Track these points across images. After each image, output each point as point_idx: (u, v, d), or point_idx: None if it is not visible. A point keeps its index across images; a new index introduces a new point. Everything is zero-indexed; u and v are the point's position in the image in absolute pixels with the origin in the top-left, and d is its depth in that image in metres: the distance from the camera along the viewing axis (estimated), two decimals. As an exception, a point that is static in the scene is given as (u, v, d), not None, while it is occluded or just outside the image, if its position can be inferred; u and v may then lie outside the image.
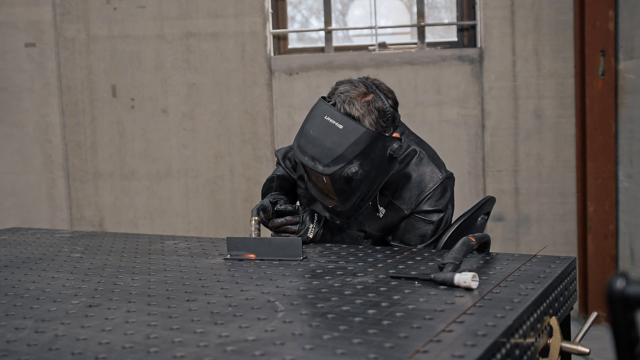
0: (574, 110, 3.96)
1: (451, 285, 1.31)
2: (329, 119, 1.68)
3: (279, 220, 1.88)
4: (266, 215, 1.88)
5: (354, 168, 1.66)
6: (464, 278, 1.29)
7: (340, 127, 1.66)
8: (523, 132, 4.02)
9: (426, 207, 1.87)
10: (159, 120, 4.20)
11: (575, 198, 3.98)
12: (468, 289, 1.28)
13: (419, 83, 4.06)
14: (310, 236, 1.89)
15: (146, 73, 4.18)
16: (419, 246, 1.88)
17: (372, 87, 1.76)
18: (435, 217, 1.88)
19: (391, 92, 1.81)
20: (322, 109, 1.71)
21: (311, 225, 1.89)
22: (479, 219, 2.03)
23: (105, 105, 4.21)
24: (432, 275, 1.35)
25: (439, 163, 1.94)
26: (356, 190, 1.72)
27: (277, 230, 1.91)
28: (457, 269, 1.35)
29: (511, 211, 4.04)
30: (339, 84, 1.78)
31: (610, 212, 3.82)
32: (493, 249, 4.03)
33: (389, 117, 1.75)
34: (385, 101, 1.75)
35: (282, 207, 1.90)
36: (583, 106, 3.87)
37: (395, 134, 1.77)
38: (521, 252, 3.87)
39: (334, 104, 1.72)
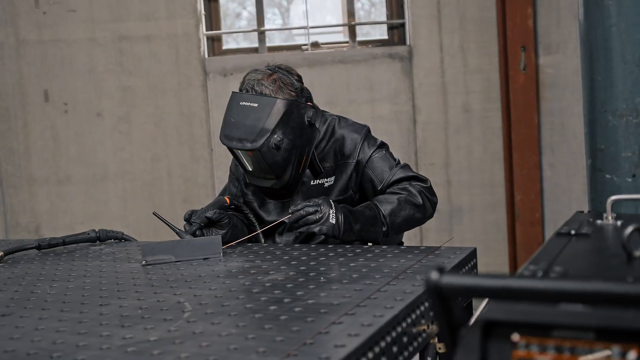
0: (499, 104, 4.11)
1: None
2: (244, 102, 1.83)
3: (299, 211, 1.76)
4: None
5: (278, 137, 1.79)
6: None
7: (256, 105, 1.82)
8: (453, 126, 4.16)
9: (370, 149, 2.00)
10: (94, 124, 4.18)
11: (504, 188, 4.15)
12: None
13: (352, 81, 4.15)
14: (333, 222, 1.76)
15: (79, 77, 4.15)
16: (394, 172, 1.97)
17: (274, 67, 1.93)
18: (384, 150, 2.02)
19: (294, 70, 1.97)
20: (236, 98, 1.87)
21: (330, 211, 1.76)
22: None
23: (37, 110, 4.17)
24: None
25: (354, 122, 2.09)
26: (287, 161, 1.84)
27: (296, 223, 1.78)
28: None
29: (444, 202, 4.18)
30: (245, 75, 1.94)
31: (536, 201, 3.99)
32: (427, 240, 4.18)
33: (297, 88, 1.91)
34: (290, 77, 1.92)
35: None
36: (507, 100, 4.03)
37: (308, 103, 1.93)
38: (455, 242, 4.00)
39: (246, 91, 1.87)
